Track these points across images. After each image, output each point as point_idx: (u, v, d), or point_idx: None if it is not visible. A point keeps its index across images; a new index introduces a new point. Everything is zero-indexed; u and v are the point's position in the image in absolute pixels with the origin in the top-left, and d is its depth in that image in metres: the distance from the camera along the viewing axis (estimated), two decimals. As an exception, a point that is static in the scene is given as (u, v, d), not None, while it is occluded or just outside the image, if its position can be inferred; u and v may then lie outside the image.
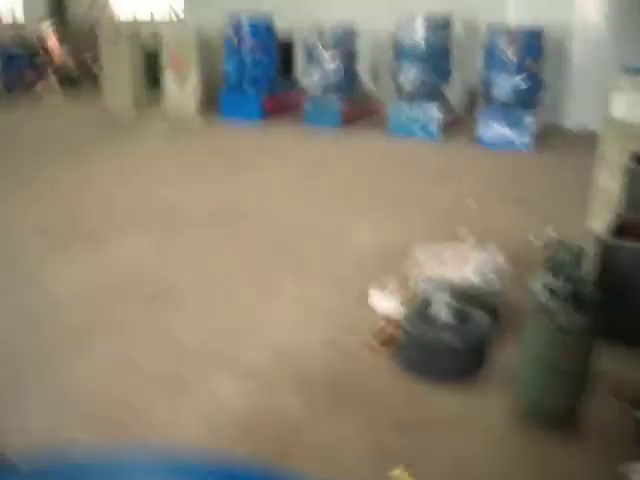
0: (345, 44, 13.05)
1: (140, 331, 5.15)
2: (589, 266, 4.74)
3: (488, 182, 9.44)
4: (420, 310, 4.58)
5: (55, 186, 9.19)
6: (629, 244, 4.93)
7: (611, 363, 4.58)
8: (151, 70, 15.38)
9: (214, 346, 4.96)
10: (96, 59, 16.21)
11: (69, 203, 8.40)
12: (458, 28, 12.72)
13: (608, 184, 7.11)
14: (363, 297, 5.50)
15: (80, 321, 5.29)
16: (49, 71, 18.15)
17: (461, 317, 4.45)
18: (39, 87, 17.32)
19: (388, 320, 4.96)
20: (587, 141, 10.41)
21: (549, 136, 12.51)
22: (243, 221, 7.71)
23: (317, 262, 6.53)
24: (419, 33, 12.09)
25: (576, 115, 13.43)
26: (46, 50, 18.72)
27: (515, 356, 4.44)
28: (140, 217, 7.85)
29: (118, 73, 14.69)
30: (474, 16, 13.73)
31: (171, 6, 20.51)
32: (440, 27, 12.32)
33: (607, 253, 4.92)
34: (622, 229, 5.22)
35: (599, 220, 7.00)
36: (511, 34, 11.57)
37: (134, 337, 5.07)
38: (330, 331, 5.13)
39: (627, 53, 12.50)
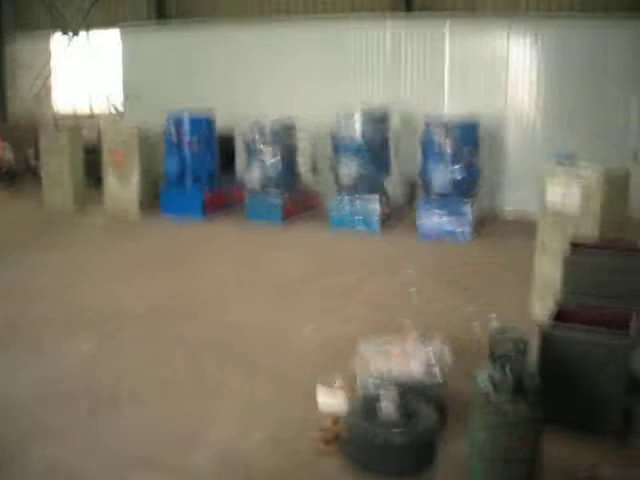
0: (285, 139, 13.21)
1: (81, 438, 4.98)
2: (532, 353, 4.76)
3: (429, 271, 9.53)
4: (365, 407, 4.52)
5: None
6: (568, 332, 4.97)
7: (558, 449, 4.56)
8: (92, 166, 15.40)
9: (157, 451, 4.82)
10: (37, 155, 16.13)
11: (4, 305, 8.17)
12: (396, 121, 13.00)
13: (547, 270, 7.24)
14: (310, 395, 5.42)
15: (18, 428, 5.09)
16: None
17: (407, 413, 4.40)
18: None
19: (334, 418, 4.88)
20: (525, 227, 10.66)
21: (488, 223, 12.77)
22: (186, 319, 7.61)
23: (262, 360, 6.45)
24: (357, 127, 12.31)
25: (513, 202, 13.77)
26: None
27: (464, 449, 4.40)
28: (79, 317, 7.67)
29: (58, 169, 14.60)
30: (411, 109, 14.12)
31: (110, 100, 20.71)
32: (378, 120, 12.58)
33: (548, 341, 4.95)
34: (562, 316, 5.28)
35: (540, 306, 7.10)
36: (446, 126, 11.87)
37: (74, 444, 4.89)
38: (277, 430, 5.03)
39: (558, 139, 12.97)
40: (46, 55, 21.98)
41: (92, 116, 20.24)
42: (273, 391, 5.75)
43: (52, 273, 9.67)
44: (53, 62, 21.93)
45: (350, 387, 5.19)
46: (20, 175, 17.72)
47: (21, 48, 22.47)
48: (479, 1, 15.86)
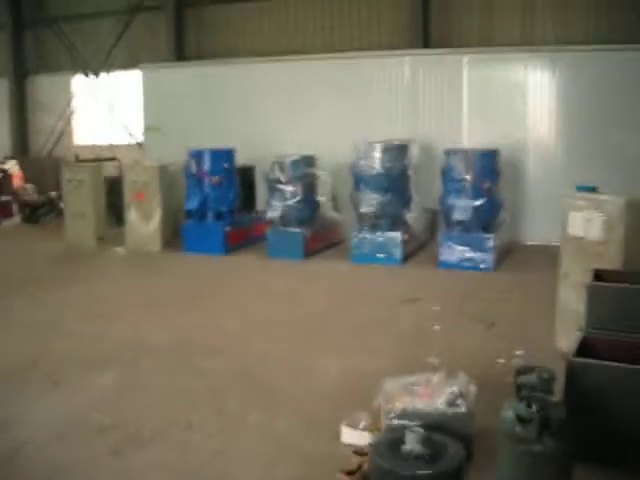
0: (305, 174, 13.27)
1: (108, 478, 4.96)
2: (558, 388, 4.72)
3: (453, 305, 9.48)
4: (391, 444, 4.48)
5: (13, 324, 9.01)
6: (595, 363, 4.92)
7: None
8: (113, 202, 15.58)
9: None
10: (60, 194, 16.33)
11: (28, 342, 8.20)
12: (415, 153, 13.03)
13: (571, 302, 7.17)
14: (334, 432, 5.39)
15: (45, 468, 5.08)
16: (15, 209, 18.25)
17: (434, 449, 4.35)
18: (4, 224, 17.33)
19: (360, 455, 4.84)
20: (548, 257, 10.59)
21: (510, 254, 12.72)
22: (208, 354, 7.60)
23: (286, 396, 6.41)
24: (377, 160, 12.34)
25: (535, 232, 13.75)
26: (12, 188, 18.88)
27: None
28: (100, 351, 7.69)
29: (80, 206, 14.75)
30: (430, 141, 14.19)
31: (131, 142, 20.97)
32: (398, 153, 12.60)
33: (574, 373, 4.90)
34: (587, 348, 5.23)
35: (565, 339, 7.03)
36: (467, 157, 11.88)
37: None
38: (302, 469, 4.99)
39: (578, 169, 12.96)
40: (67, 95, 22.32)
41: (113, 153, 20.46)
42: (296, 427, 5.71)
43: (73, 307, 9.71)
44: (74, 102, 22.25)
45: (375, 426, 5.16)
46: (45, 216, 17.89)
47: (42, 88, 22.86)
48: (496, 34, 15.98)
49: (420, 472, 4.16)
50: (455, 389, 4.91)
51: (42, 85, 22.87)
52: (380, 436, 4.86)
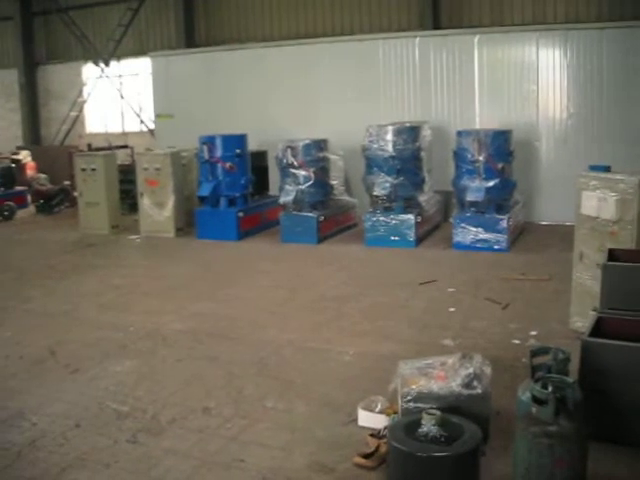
0: (317, 158, 13.25)
1: (126, 466, 5.00)
2: (574, 368, 4.72)
3: (468, 287, 9.48)
4: (408, 426, 4.49)
5: (30, 314, 9.07)
6: (609, 343, 4.91)
7: (603, 464, 4.51)
8: (126, 189, 15.68)
9: (201, 476, 4.82)
10: (74, 185, 16.38)
11: (45, 332, 8.26)
12: (428, 135, 12.98)
13: (586, 282, 7.16)
14: (351, 416, 5.41)
15: (63, 457, 5.13)
16: (29, 199, 18.35)
17: (450, 431, 4.36)
18: (18, 215, 17.41)
19: (377, 438, 4.86)
20: (562, 237, 10.58)
21: (524, 234, 12.69)
22: (222, 339, 7.64)
23: (302, 381, 6.43)
24: (390, 142, 12.30)
25: (548, 212, 13.70)
26: (25, 179, 18.99)
27: (508, 467, 4.36)
28: (119, 342, 7.72)
29: (93, 193, 14.81)
30: (443, 123, 14.17)
31: (144, 129, 21.04)
32: (410, 135, 12.55)
33: (588, 353, 4.89)
34: (602, 327, 5.22)
35: (580, 318, 7.02)
36: (480, 138, 11.82)
37: (119, 472, 4.91)
38: (318, 453, 5.01)
39: (591, 148, 12.91)
40: (78, 84, 22.38)
41: (125, 141, 20.54)
42: (312, 412, 5.73)
43: (88, 296, 9.75)
44: (85, 91, 22.30)
45: (392, 409, 5.17)
46: (59, 205, 17.96)
47: (53, 78, 22.94)
48: (507, 14, 15.88)
49: (437, 454, 4.17)
50: (471, 371, 4.92)
51: (53, 74, 22.98)
52: (397, 419, 4.87)
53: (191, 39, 19.91)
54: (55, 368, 7.02)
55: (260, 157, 14.96)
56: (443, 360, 5.15)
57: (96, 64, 21.70)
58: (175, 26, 20.18)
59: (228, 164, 13.41)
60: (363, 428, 5.25)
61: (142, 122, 21.42)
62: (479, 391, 4.85)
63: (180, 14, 19.92)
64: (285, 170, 13.16)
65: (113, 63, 21.62)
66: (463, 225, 11.83)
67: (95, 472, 4.92)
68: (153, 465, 4.98)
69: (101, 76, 21.81)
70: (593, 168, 7.50)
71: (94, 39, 21.64)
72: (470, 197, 11.79)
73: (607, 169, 7.34)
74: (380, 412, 5.26)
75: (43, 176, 19.06)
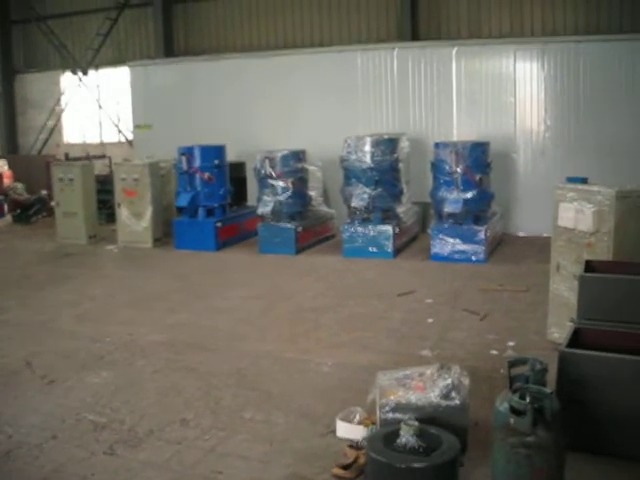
0: (296, 168, 13.26)
1: (103, 478, 4.96)
2: (552, 378, 4.74)
3: (445, 298, 9.51)
4: (386, 437, 4.49)
5: (6, 325, 8.99)
6: (586, 354, 4.94)
7: (581, 475, 4.54)
8: (104, 199, 15.62)
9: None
10: (51, 194, 16.28)
11: (21, 343, 8.18)
12: (405, 146, 13.04)
13: (563, 293, 7.21)
14: (329, 427, 5.41)
15: (39, 470, 5.07)
16: (5, 208, 18.22)
17: (429, 442, 4.37)
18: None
19: (355, 449, 4.86)
20: (539, 249, 10.64)
21: (502, 246, 12.76)
22: (202, 352, 7.60)
23: (280, 392, 6.41)
24: (367, 153, 12.34)
25: (526, 223, 13.80)
26: (2, 188, 18.85)
27: (486, 478, 4.37)
28: (92, 349, 7.68)
29: (71, 204, 14.72)
30: (421, 134, 14.25)
31: (121, 139, 20.97)
32: (388, 147, 12.59)
33: (566, 364, 4.92)
34: (580, 338, 5.26)
35: (558, 329, 7.07)
36: (457, 149, 11.89)
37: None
38: (296, 465, 4.99)
39: (568, 160, 13.04)
40: (56, 93, 22.27)
41: (103, 151, 20.48)
42: (290, 423, 5.71)
43: (65, 307, 9.67)
44: (63, 100, 22.19)
45: (370, 420, 5.17)
46: (37, 214, 17.86)
47: (31, 86, 22.81)
48: (485, 26, 16.00)
49: (415, 465, 4.18)
50: (449, 381, 4.93)
51: (31, 83, 22.84)
52: (375, 430, 4.87)
53: (170, 49, 19.86)
54: (31, 379, 6.96)
55: (238, 168, 14.97)
56: (421, 371, 5.16)
57: (74, 73, 21.60)
58: (154, 36, 20.12)
59: (206, 175, 13.40)
60: (342, 439, 5.24)
61: (120, 132, 21.34)
62: (457, 402, 4.86)
63: (159, 24, 19.87)
64: (263, 181, 13.16)
65: (91, 72, 21.54)
66: (441, 236, 11.88)
67: (71, 484, 4.88)
68: (130, 477, 4.95)
69: (79, 85, 21.72)
70: (570, 180, 7.57)
71: (72, 48, 21.54)
72: (448, 208, 11.84)
73: (584, 181, 7.41)
74: (359, 423, 5.26)
75: (20, 185, 18.96)
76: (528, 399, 4.07)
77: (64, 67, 21.89)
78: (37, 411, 6.14)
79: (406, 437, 4.30)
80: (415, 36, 16.55)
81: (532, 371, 4.46)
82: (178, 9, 19.98)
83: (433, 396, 4.83)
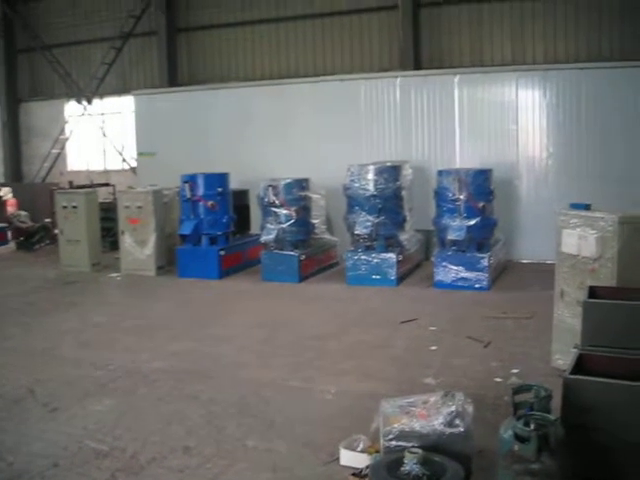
0: (299, 197, 13.30)
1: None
2: (556, 406, 4.71)
3: (449, 326, 9.48)
4: (390, 465, 4.46)
5: (9, 352, 8.97)
6: (592, 380, 4.91)
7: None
8: (108, 227, 15.65)
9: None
10: (55, 222, 16.31)
11: (24, 370, 8.17)
12: (408, 174, 13.06)
13: (567, 319, 7.19)
14: (333, 455, 5.37)
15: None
16: (9, 236, 18.27)
17: (433, 470, 4.34)
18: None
19: (359, 477, 4.82)
20: (543, 276, 10.61)
21: (505, 273, 12.74)
22: (206, 382, 7.56)
23: (282, 420, 6.37)
24: (370, 182, 12.37)
25: (529, 250, 13.79)
26: (6, 215, 18.92)
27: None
28: (99, 380, 7.65)
29: (75, 231, 14.75)
30: (423, 162, 14.28)
31: (125, 167, 21.07)
32: (391, 174, 12.62)
33: (570, 391, 4.89)
34: (584, 364, 5.23)
35: (562, 356, 7.03)
36: (460, 177, 11.91)
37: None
38: (300, 493, 4.97)
39: (570, 186, 13.06)
40: (60, 121, 22.41)
41: (107, 179, 20.56)
42: (293, 451, 5.68)
43: (68, 334, 9.65)
44: (67, 128, 22.33)
45: (373, 448, 5.14)
46: (40, 242, 17.90)
47: (35, 115, 22.97)
48: (486, 54, 16.12)
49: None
50: (453, 409, 4.90)
51: (35, 112, 23.01)
52: (379, 458, 4.84)
53: (174, 78, 20.02)
54: (34, 407, 6.93)
55: (242, 196, 14.99)
56: (425, 398, 5.13)
57: (79, 102, 21.77)
58: (158, 65, 20.30)
59: (210, 202, 13.42)
60: (345, 467, 5.20)
61: (124, 160, 21.44)
62: (461, 429, 4.82)
63: (163, 53, 20.05)
64: (267, 209, 13.20)
65: (96, 101, 21.70)
66: (444, 264, 11.86)
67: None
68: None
69: (83, 114, 21.87)
70: (573, 206, 7.57)
71: (77, 77, 21.74)
72: (451, 236, 11.84)
73: (587, 207, 7.42)
74: (362, 451, 5.22)
75: (24, 213, 19.01)
76: (533, 426, 4.05)
77: (69, 96, 22.07)
78: (39, 439, 6.11)
79: (410, 465, 4.28)
80: (418, 65, 16.68)
81: (536, 398, 4.44)
82: (182, 38, 20.18)
83: (437, 424, 4.80)
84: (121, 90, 20.96)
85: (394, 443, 4.82)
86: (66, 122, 22.51)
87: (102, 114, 21.98)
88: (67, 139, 22.56)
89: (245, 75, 18.99)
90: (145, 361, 8.29)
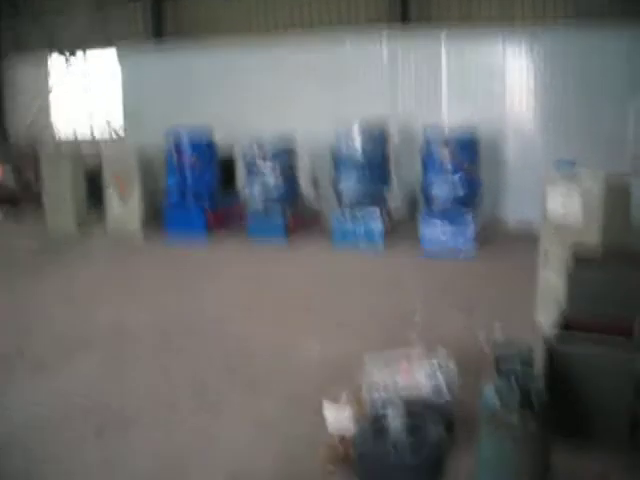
0: (285, 156, 13.23)
1: (91, 461, 4.96)
2: (539, 363, 4.74)
3: (434, 288, 9.46)
4: (372, 425, 4.50)
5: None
6: (574, 349, 4.93)
7: (566, 461, 4.54)
8: (93, 188, 15.48)
9: (165, 473, 4.80)
10: (38, 179, 16.12)
11: (10, 329, 8.16)
12: (394, 133, 12.99)
13: (551, 280, 7.21)
14: (316, 410, 5.40)
15: (26, 456, 5.07)
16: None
17: (414, 430, 4.37)
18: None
19: (341, 438, 4.84)
20: (528, 237, 10.62)
21: (491, 234, 12.74)
22: (191, 338, 7.60)
23: (268, 377, 6.42)
24: (356, 142, 12.31)
25: (515, 212, 13.74)
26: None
27: (472, 465, 4.38)
28: (86, 339, 7.66)
29: (60, 192, 14.61)
30: (410, 121, 14.15)
31: (110, 124, 20.79)
32: (377, 134, 12.56)
33: (552, 352, 4.92)
34: (566, 327, 5.26)
35: (545, 314, 7.07)
36: (446, 138, 11.86)
37: (85, 467, 4.88)
38: (284, 448, 5.01)
39: (557, 147, 12.99)
40: (44, 76, 22.07)
41: (92, 137, 20.32)
42: (277, 406, 5.74)
43: (56, 296, 9.65)
44: (51, 83, 22.01)
45: (357, 402, 5.16)
46: (22, 200, 17.71)
47: (19, 69, 22.58)
48: (474, 10, 15.92)
49: (401, 453, 4.20)
50: (434, 362, 4.95)
51: (19, 66, 22.60)
52: (364, 424, 4.84)
53: (159, 29, 19.58)
54: (23, 366, 6.93)
55: (228, 154, 14.86)
56: (408, 352, 5.16)
57: (62, 54, 21.36)
58: (143, 15, 19.86)
59: (194, 158, 13.34)
60: (329, 422, 5.23)
61: (109, 124, 21.09)
62: (443, 385, 4.87)
63: (148, 2, 19.64)
64: (252, 167, 13.12)
65: (79, 53, 21.29)
66: (430, 224, 11.84)
67: (61, 465, 4.90)
68: (117, 461, 4.96)
69: (67, 66, 21.49)
70: (559, 163, 7.54)
71: (59, 28, 21.27)
72: (436, 196, 11.83)
73: (572, 164, 7.39)
74: (345, 402, 5.24)
75: (7, 168, 18.69)
76: (514, 384, 4.08)
77: (51, 48, 21.63)
78: (28, 397, 6.15)
79: (392, 425, 4.33)
80: (405, 18, 16.43)
81: (519, 354, 4.46)
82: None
83: (419, 380, 4.85)
84: (105, 41, 20.49)
85: (376, 401, 4.87)
86: (50, 77, 22.12)
87: (86, 68, 21.55)
88: (51, 95, 22.20)
89: (232, 27, 18.51)
90: (131, 318, 8.32)
